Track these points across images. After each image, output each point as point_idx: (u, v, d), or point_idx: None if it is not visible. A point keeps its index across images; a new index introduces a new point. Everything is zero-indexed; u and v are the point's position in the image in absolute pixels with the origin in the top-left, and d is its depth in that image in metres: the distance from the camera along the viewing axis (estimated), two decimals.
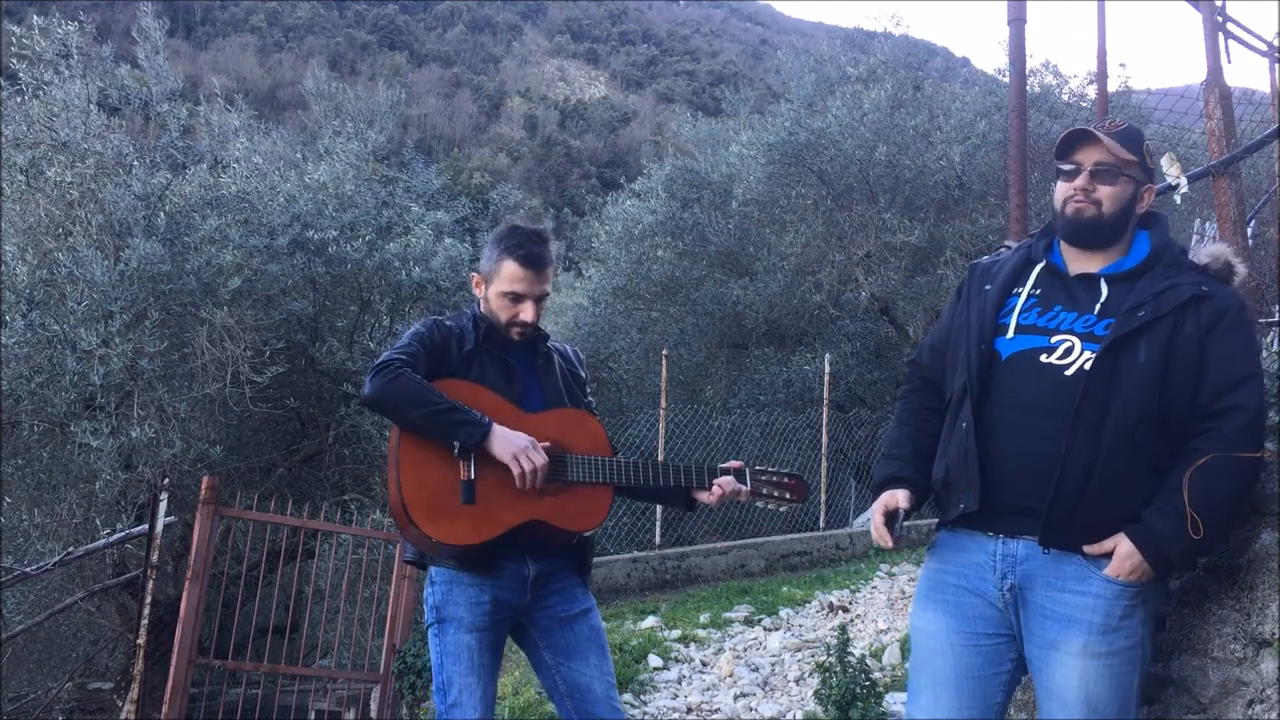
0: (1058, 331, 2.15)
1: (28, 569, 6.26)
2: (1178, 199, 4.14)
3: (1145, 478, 2.05)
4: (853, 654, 3.88)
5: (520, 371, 2.67)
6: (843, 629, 4.06)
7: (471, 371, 2.58)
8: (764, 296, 12.21)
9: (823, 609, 6.53)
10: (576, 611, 2.64)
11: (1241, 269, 2.23)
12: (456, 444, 2.42)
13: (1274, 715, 2.10)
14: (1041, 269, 2.27)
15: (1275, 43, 4.87)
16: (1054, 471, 2.04)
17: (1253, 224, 5.31)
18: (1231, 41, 4.27)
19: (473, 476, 2.44)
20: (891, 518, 2.25)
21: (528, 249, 2.63)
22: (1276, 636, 2.12)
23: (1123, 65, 16.16)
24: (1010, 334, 2.20)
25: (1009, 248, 2.48)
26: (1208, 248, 2.25)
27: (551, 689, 2.64)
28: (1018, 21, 4.10)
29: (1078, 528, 2.06)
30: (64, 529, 7.02)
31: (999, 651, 2.16)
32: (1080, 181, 2.19)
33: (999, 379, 2.17)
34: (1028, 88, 5.03)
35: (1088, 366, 2.08)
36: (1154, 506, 2.03)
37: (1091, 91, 11.85)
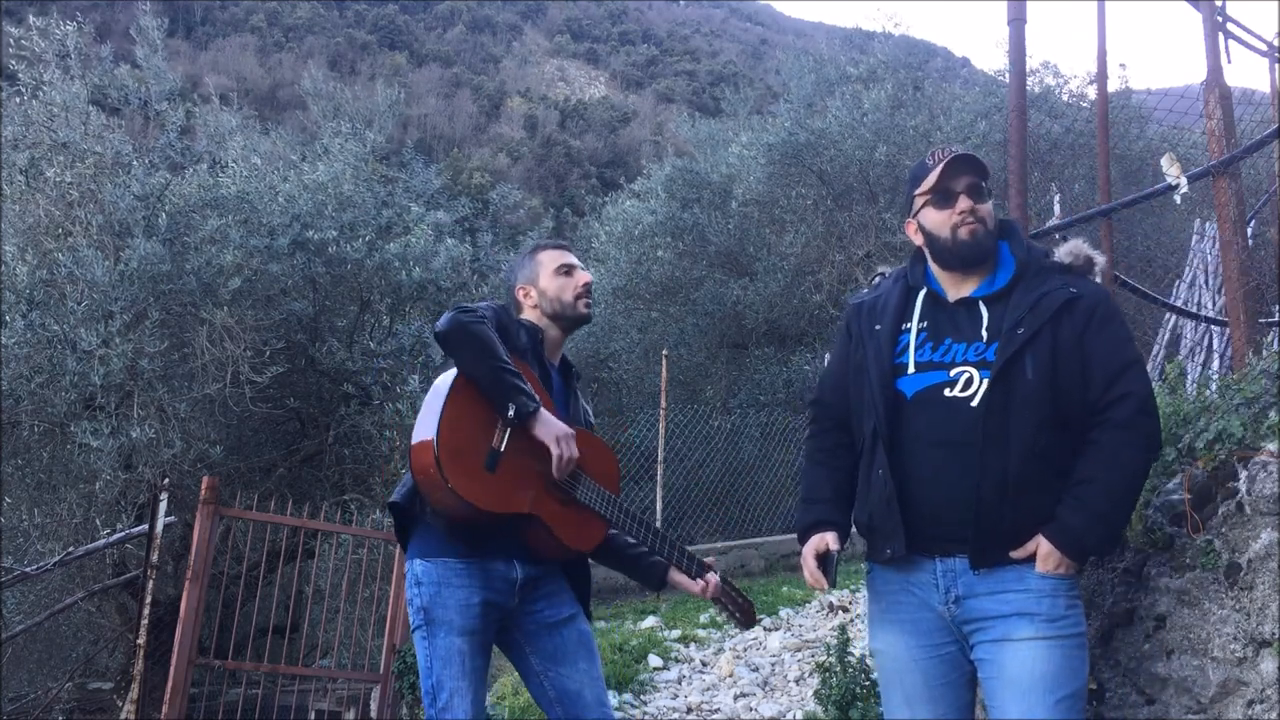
0: (954, 364, 2.23)
1: (28, 569, 6.26)
2: (1178, 199, 4.14)
3: (1054, 481, 2.15)
4: (853, 654, 3.88)
5: (555, 391, 2.72)
6: (843, 629, 4.06)
7: None
8: (764, 296, 12.21)
9: (823, 609, 6.53)
10: (564, 617, 2.63)
11: (1100, 259, 2.33)
12: (512, 408, 2.41)
13: (1274, 715, 2.10)
14: (925, 296, 2.35)
15: (1275, 43, 4.87)
16: (971, 503, 2.13)
17: (1253, 224, 5.32)
18: (1231, 41, 4.26)
19: (502, 449, 2.44)
20: (824, 560, 2.34)
21: (551, 240, 2.88)
22: (1276, 636, 2.12)
23: (1123, 65, 16.16)
24: (911, 371, 2.27)
25: (884, 275, 2.53)
26: (1066, 245, 2.35)
27: (540, 696, 2.62)
28: (1018, 21, 4.10)
29: (1003, 544, 2.15)
30: (64, 529, 7.02)
31: (957, 657, 2.24)
32: (964, 204, 2.28)
33: (907, 418, 2.24)
34: (1028, 88, 5.03)
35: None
36: (1064, 503, 2.13)
37: (1091, 92, 11.85)
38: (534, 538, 2.53)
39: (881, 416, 2.24)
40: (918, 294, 2.36)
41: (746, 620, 2.79)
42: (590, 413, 2.92)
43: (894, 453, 2.22)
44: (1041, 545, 2.13)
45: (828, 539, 2.33)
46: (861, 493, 2.32)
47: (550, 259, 2.79)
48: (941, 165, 2.31)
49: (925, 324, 2.31)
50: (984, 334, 2.24)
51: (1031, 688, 2.07)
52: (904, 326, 2.33)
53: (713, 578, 2.70)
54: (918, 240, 2.40)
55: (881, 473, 2.22)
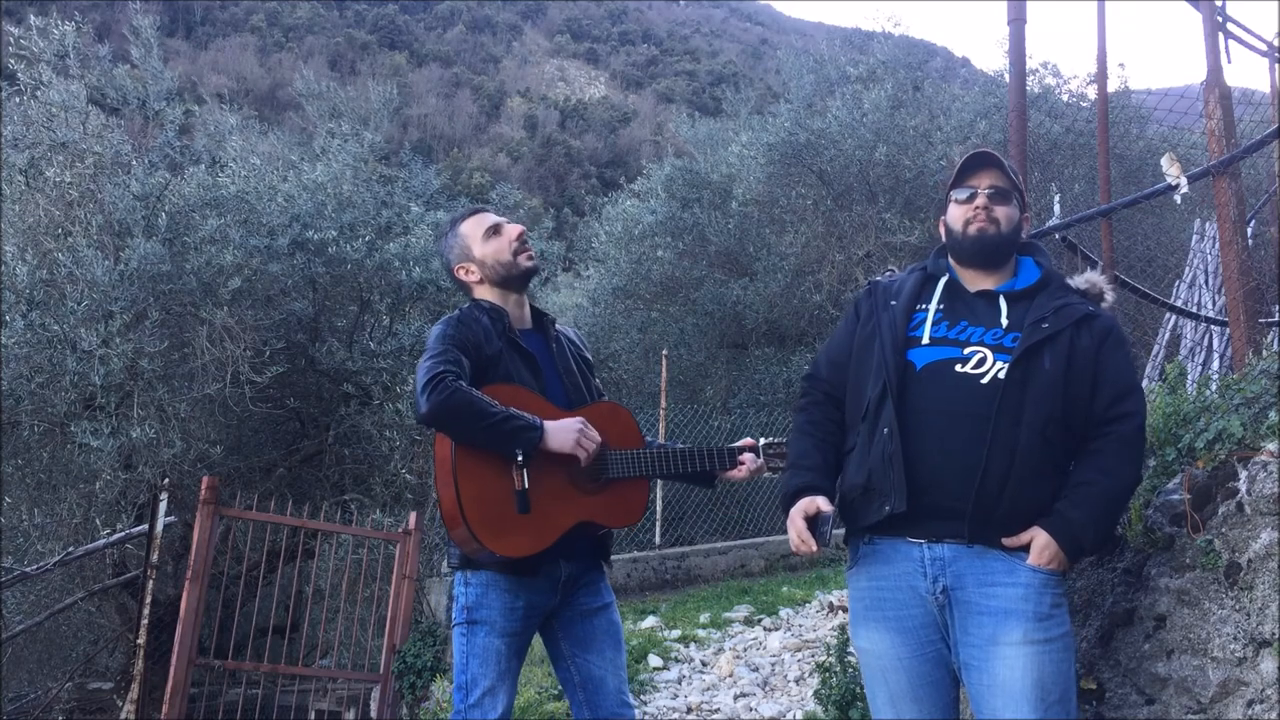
0: (969, 344, 2.27)
1: (28, 569, 6.27)
2: (1178, 199, 4.14)
3: (1053, 475, 2.21)
4: (853, 654, 3.88)
5: (541, 362, 2.70)
6: (843, 629, 4.06)
7: (500, 370, 2.58)
8: (764, 296, 12.21)
9: (823, 609, 6.53)
10: (599, 605, 2.68)
11: (1110, 296, 2.44)
12: (520, 453, 2.42)
13: (1274, 715, 2.10)
14: (945, 283, 2.40)
15: (1275, 43, 4.88)
16: (976, 471, 2.15)
17: (1253, 224, 5.32)
18: (1231, 41, 4.26)
19: (526, 486, 2.44)
20: (814, 521, 2.27)
21: (465, 210, 2.81)
22: (1276, 636, 2.12)
23: (1122, 65, 16.12)
24: (925, 342, 2.30)
25: (893, 271, 2.59)
26: (1084, 275, 2.45)
27: (565, 680, 2.68)
28: (1018, 21, 4.10)
29: (998, 523, 2.17)
30: (64, 529, 7.02)
31: (942, 654, 2.24)
32: (980, 201, 2.35)
33: (914, 387, 2.26)
34: (1028, 88, 5.03)
35: (1002, 375, 2.21)
36: (1065, 499, 2.18)
37: (1091, 91, 11.85)
38: (584, 536, 2.57)
39: (892, 380, 2.26)
40: (938, 281, 2.41)
41: None
42: (580, 345, 2.89)
43: (900, 418, 2.23)
44: (1038, 537, 2.14)
45: (818, 501, 2.29)
46: (860, 454, 2.29)
47: (473, 226, 2.74)
48: (962, 160, 2.38)
49: (942, 306, 2.35)
50: (1003, 322, 2.28)
51: (1025, 696, 2.08)
52: (920, 306, 2.37)
53: (749, 459, 2.75)
54: (944, 235, 2.46)
55: (887, 430, 2.22)
